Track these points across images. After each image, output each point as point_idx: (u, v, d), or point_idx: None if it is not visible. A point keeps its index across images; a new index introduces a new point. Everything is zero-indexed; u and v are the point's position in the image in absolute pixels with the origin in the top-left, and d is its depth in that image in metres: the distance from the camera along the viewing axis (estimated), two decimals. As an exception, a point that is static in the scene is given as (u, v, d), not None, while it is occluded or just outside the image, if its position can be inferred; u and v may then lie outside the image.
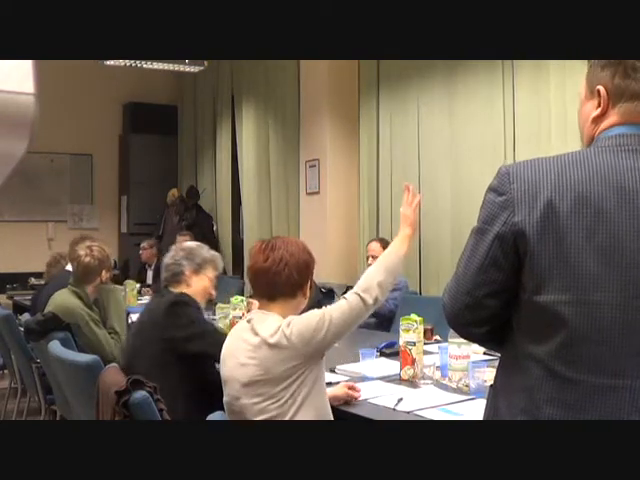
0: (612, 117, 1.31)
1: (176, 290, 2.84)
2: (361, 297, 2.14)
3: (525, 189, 1.25)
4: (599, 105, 1.32)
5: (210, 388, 2.54)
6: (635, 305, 1.20)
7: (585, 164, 1.25)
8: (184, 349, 2.64)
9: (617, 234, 1.20)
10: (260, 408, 2.07)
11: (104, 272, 3.82)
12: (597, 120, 1.34)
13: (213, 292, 2.96)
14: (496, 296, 1.31)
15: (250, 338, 2.12)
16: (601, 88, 1.31)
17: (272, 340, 2.06)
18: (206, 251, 2.99)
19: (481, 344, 1.49)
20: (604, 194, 1.21)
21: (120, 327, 3.76)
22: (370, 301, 2.14)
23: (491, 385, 1.44)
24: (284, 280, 2.15)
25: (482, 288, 1.31)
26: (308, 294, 2.25)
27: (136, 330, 2.90)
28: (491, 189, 1.31)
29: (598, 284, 1.20)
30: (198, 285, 2.89)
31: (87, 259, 3.76)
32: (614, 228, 1.20)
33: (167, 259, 2.95)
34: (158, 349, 2.64)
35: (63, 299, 3.70)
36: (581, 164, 1.26)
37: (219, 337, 2.55)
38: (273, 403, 2.06)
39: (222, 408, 2.20)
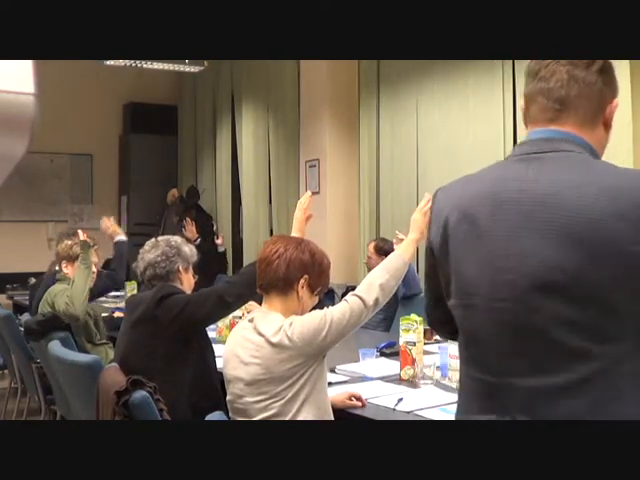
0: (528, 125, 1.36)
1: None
2: (362, 298, 2.15)
3: (438, 211, 1.40)
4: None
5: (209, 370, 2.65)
6: (499, 307, 1.26)
7: (480, 181, 1.35)
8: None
9: (488, 243, 1.29)
10: (263, 406, 2.09)
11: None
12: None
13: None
14: (439, 302, 1.43)
15: (253, 337, 2.13)
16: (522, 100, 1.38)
17: (274, 339, 2.07)
18: (189, 248, 2.93)
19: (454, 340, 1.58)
20: (480, 208, 1.30)
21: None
22: (370, 302, 2.15)
23: None
24: (273, 270, 2.18)
25: (428, 294, 1.50)
26: (303, 296, 2.20)
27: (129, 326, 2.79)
28: None
29: (474, 289, 1.31)
30: (186, 281, 2.88)
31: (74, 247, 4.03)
32: (486, 238, 1.29)
33: (152, 255, 2.82)
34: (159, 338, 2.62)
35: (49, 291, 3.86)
36: (478, 181, 1.35)
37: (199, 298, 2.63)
38: (276, 401, 2.08)
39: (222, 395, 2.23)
